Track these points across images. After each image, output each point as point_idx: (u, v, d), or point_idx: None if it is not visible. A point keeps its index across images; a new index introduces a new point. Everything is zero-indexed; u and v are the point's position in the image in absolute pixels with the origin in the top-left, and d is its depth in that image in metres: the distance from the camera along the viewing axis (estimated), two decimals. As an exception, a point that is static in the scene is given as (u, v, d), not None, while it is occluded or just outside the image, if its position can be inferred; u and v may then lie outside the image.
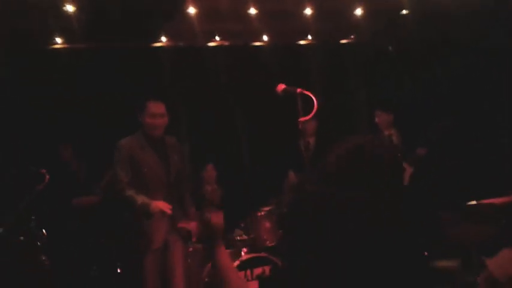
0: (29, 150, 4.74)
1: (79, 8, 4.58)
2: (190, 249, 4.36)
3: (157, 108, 3.68)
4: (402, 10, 5.72)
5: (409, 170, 5.29)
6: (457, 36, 5.09)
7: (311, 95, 2.58)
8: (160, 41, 5.79)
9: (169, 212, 3.53)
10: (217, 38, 5.90)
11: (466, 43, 4.99)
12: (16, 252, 3.68)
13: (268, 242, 4.51)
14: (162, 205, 3.53)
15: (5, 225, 3.63)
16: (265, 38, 6.09)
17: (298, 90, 2.63)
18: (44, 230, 3.76)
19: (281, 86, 2.74)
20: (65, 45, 5.44)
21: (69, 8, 4.55)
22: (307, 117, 2.57)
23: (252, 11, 5.15)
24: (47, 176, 3.77)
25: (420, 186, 4.83)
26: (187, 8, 4.91)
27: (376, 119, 5.25)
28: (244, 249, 4.45)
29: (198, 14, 5.03)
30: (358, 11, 5.55)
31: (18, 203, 3.69)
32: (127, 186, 3.59)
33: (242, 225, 4.74)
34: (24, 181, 3.82)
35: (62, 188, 4.60)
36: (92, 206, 4.86)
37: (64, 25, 4.91)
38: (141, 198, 3.56)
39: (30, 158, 4.38)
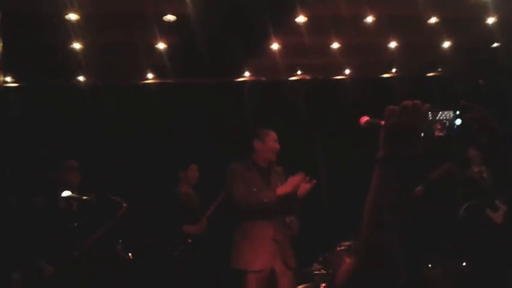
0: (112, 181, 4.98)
1: (169, 46, 4.83)
2: None
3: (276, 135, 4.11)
4: (493, 43, 5.48)
5: (503, 209, 4.97)
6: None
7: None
8: (244, 76, 5.95)
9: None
10: (299, 72, 5.96)
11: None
12: (101, 270, 3.87)
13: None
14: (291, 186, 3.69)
15: (82, 248, 3.85)
16: (347, 71, 6.07)
17: (382, 122, 2.55)
18: (130, 254, 3.93)
19: (364, 118, 2.67)
20: (155, 81, 5.75)
21: (161, 46, 4.82)
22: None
23: (335, 45, 5.17)
24: (125, 205, 3.98)
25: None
26: (271, 44, 5.02)
27: (468, 154, 5.04)
28: (323, 285, 4.34)
29: (281, 50, 5.12)
30: (446, 44, 5.39)
31: (98, 229, 3.91)
32: (247, 197, 3.78)
33: (321, 259, 4.65)
34: (104, 209, 4.05)
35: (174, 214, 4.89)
36: (198, 234, 5.01)
37: (155, 62, 5.21)
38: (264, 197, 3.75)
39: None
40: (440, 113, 1.50)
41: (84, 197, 3.93)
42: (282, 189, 3.71)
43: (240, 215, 3.88)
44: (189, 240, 4.90)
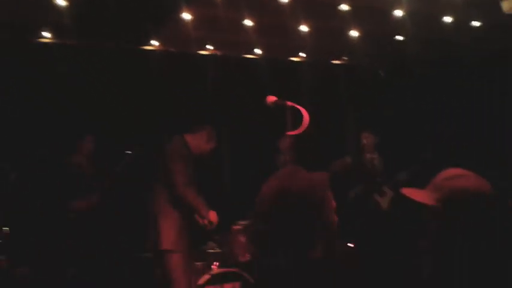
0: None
1: (71, 2, 4.45)
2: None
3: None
4: (396, 36, 5.71)
5: (389, 194, 5.26)
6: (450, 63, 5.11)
7: (301, 109, 2.49)
8: (151, 45, 5.68)
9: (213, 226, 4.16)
10: (209, 46, 5.83)
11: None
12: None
13: (240, 257, 4.41)
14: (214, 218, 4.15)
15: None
16: (257, 51, 6.03)
17: (288, 103, 2.54)
18: (6, 228, 3.62)
19: (271, 98, 2.65)
20: (53, 40, 5.30)
21: (61, 2, 4.43)
22: (296, 132, 2.47)
23: (248, 22, 5.08)
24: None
25: (399, 210, 4.87)
26: (182, 13, 4.82)
27: (363, 141, 5.23)
28: (216, 263, 4.34)
29: (192, 21, 4.94)
30: (353, 33, 5.52)
31: None
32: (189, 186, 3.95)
33: (216, 237, 4.62)
34: None
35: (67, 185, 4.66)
36: (92, 207, 4.73)
37: (54, 19, 4.78)
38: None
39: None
40: None
41: None
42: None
43: (163, 193, 3.94)
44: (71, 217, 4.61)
